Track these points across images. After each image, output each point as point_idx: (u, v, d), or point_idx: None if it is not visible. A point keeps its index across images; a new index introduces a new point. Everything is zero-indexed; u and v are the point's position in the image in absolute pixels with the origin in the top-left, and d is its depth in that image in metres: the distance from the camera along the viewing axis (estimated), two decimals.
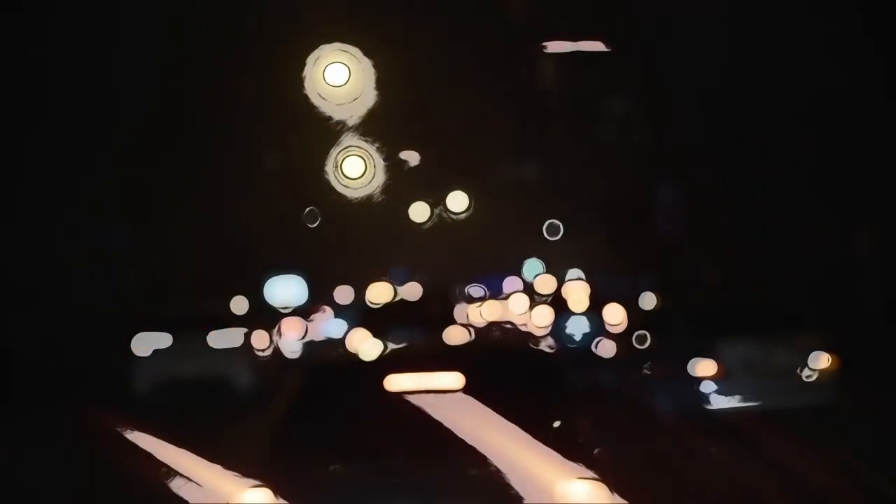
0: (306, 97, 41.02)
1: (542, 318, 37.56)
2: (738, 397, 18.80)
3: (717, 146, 40.89)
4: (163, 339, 26.86)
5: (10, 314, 36.44)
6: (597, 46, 41.57)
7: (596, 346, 29.39)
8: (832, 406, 18.69)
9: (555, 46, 43.41)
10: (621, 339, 23.92)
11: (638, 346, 21.67)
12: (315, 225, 61.57)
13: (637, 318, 23.36)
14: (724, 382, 18.80)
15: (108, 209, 41.74)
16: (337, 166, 50.14)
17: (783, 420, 17.72)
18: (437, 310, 29.12)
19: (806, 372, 18.79)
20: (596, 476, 7.22)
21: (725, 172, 40.87)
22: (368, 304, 32.82)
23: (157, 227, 44.33)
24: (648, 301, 34.17)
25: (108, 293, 42.03)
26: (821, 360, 18.86)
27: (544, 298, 41.77)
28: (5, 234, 38.91)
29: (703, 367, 18.88)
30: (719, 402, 18.84)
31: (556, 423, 7.70)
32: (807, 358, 18.80)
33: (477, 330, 40.69)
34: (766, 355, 18.95)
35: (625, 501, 7.48)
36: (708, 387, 18.84)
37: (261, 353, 28.22)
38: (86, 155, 38.95)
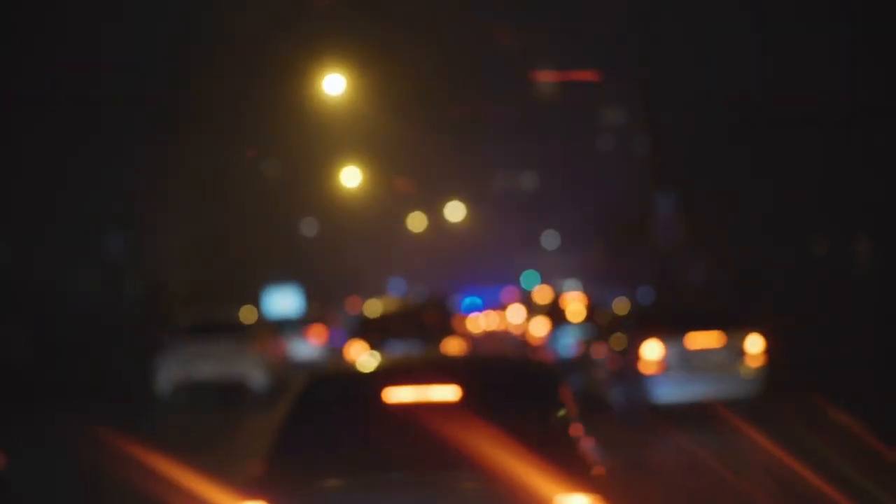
0: (304, 108, 41.06)
1: (540, 328, 37.56)
2: (680, 391, 20.83)
3: (712, 157, 40.94)
4: (180, 345, 28.91)
5: (13, 323, 36.47)
6: (592, 76, 41.64)
7: (574, 351, 29.64)
8: (762, 397, 20.85)
9: (553, 75, 43.43)
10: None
11: (615, 349, 22.80)
12: (313, 235, 61.62)
13: (613, 321, 24.53)
14: (667, 377, 20.80)
15: (110, 220, 41.76)
16: (335, 177, 50.17)
17: (723, 411, 19.67)
18: (434, 320, 29.06)
19: (741, 367, 20.93)
20: (594, 490, 7.21)
21: (719, 183, 40.94)
22: (366, 314, 32.78)
23: (155, 238, 44.34)
24: (621, 306, 35.13)
25: (106, 302, 42.06)
26: (753, 357, 21.02)
27: (542, 309, 41.69)
28: (6, 240, 38.95)
29: (645, 365, 20.93)
30: (664, 397, 20.84)
31: (561, 412, 7.69)
32: (742, 354, 21.00)
33: (475, 340, 40.68)
34: (705, 352, 21.00)
35: None
36: (653, 382, 20.83)
37: (271, 359, 30.08)
38: (86, 165, 38.99)
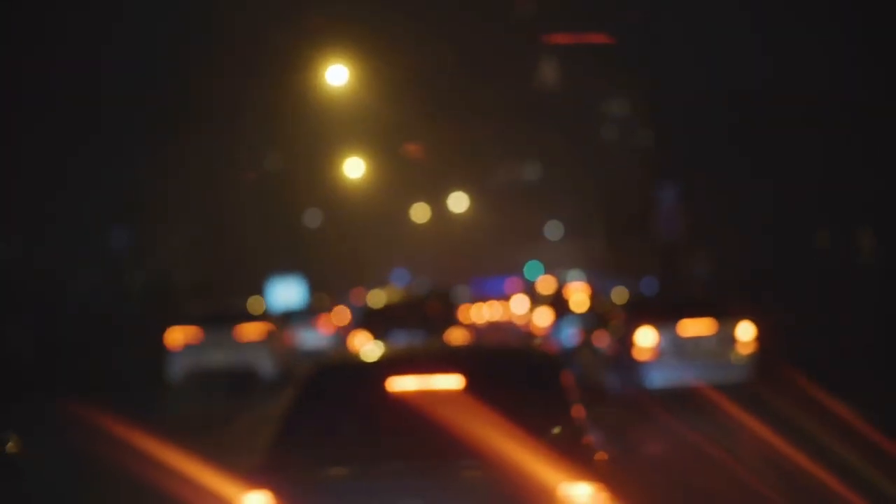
0: (307, 99, 41.01)
1: (544, 318, 37.61)
2: (673, 377, 21.75)
3: (714, 149, 40.95)
4: (194, 334, 30.27)
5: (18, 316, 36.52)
6: (604, 38, 41.54)
7: (574, 340, 29.94)
8: (753, 383, 21.78)
9: (554, 48, 43.44)
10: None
11: (611, 337, 23.89)
12: (316, 226, 61.62)
13: (611, 310, 25.26)
14: (660, 363, 21.75)
15: (113, 214, 41.80)
16: (338, 168, 50.17)
17: (714, 395, 20.48)
18: (438, 311, 29.13)
19: (731, 353, 21.86)
20: (597, 477, 7.22)
21: (722, 176, 40.97)
22: (369, 305, 32.85)
23: (159, 231, 44.36)
24: (619, 295, 35.63)
25: (109, 296, 42.10)
26: (744, 344, 21.95)
27: (545, 299, 41.72)
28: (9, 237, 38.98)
29: (639, 352, 21.89)
30: (657, 382, 21.83)
31: (556, 430, 7.69)
32: (733, 341, 21.92)
33: (478, 331, 40.64)
34: (697, 339, 21.93)
35: None
36: (647, 368, 21.80)
37: (280, 348, 31.64)
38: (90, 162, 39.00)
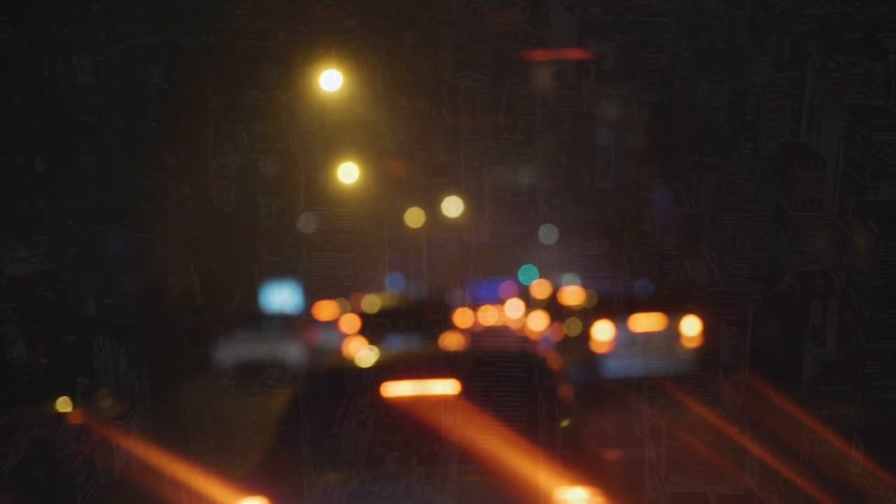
0: (300, 103, 41.13)
1: (539, 323, 37.67)
2: (627, 368, 23.24)
3: (712, 149, 41.00)
4: (234, 329, 33.36)
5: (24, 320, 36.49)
6: (585, 54, 41.78)
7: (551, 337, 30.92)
8: (695, 373, 23.13)
9: (546, 54, 43.62)
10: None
11: (575, 333, 25.56)
12: (310, 232, 61.74)
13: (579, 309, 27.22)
14: (615, 356, 23.28)
15: (112, 216, 41.80)
16: (331, 172, 50.31)
17: (665, 385, 21.81)
18: (433, 316, 29.20)
19: (678, 347, 23.35)
20: (593, 481, 7.22)
21: (720, 176, 41.02)
22: (363, 310, 32.98)
23: (155, 233, 44.40)
24: (590, 296, 36.85)
25: (107, 299, 42.11)
26: (689, 339, 23.40)
27: (540, 303, 41.79)
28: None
29: (596, 345, 23.51)
30: (613, 373, 23.31)
31: (564, 423, 7.74)
32: (679, 336, 23.40)
33: (473, 336, 40.68)
34: (648, 333, 23.57)
35: None
36: (603, 360, 23.45)
37: (307, 343, 34.33)
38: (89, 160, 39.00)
